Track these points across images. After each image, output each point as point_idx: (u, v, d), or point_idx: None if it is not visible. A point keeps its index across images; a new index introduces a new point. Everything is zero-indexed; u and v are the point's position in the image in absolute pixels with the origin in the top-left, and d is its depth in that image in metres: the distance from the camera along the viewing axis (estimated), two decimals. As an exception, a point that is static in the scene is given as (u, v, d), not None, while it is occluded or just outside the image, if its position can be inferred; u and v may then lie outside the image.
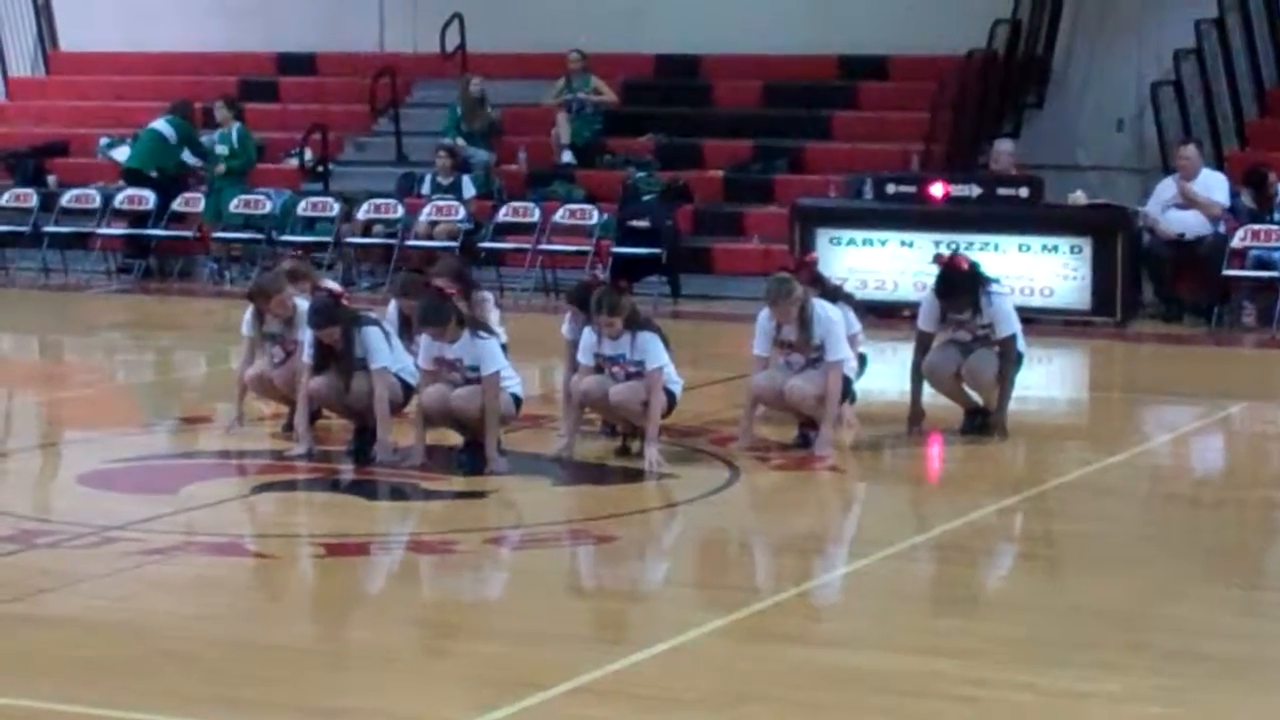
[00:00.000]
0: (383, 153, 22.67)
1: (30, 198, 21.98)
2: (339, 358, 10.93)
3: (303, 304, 11.39)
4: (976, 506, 10.07)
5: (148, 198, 21.25)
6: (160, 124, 21.52)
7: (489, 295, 12.29)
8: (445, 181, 20.56)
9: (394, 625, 7.90)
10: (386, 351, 10.92)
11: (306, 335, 11.07)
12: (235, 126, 21.27)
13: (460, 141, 21.25)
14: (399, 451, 10.81)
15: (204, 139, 21.63)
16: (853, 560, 9.20)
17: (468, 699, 6.80)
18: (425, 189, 20.69)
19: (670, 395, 10.97)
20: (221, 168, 21.09)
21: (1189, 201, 17.95)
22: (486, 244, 19.95)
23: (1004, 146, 19.05)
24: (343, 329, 10.90)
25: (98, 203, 21.61)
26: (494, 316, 11.85)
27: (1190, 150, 18.19)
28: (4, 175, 23.08)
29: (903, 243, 17.82)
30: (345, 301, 11.16)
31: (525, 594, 8.54)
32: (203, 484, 10.51)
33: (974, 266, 11.83)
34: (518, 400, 10.96)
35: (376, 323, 11.13)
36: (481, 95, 21.65)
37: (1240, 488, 11.19)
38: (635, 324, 10.88)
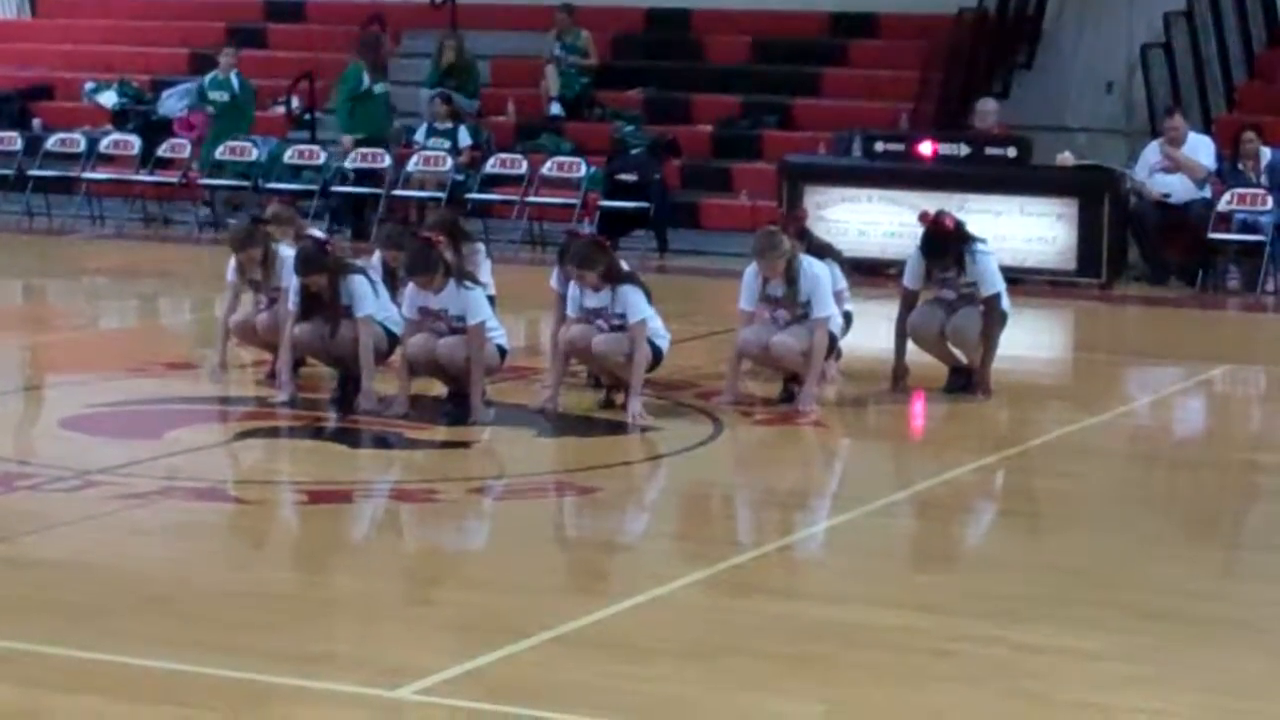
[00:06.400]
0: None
1: (14, 141, 21.86)
2: (324, 305, 10.92)
3: (287, 251, 11.38)
4: (958, 464, 10.10)
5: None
6: (364, 79, 20.75)
7: (481, 246, 12.27)
8: (442, 128, 20.47)
9: (376, 573, 7.91)
10: (372, 300, 10.92)
11: (292, 282, 11.05)
12: (234, 73, 21.22)
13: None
14: (383, 400, 10.82)
15: (195, 84, 21.57)
16: (834, 515, 9.23)
17: (449, 647, 6.82)
18: (419, 137, 20.60)
19: (656, 349, 10.97)
20: (210, 109, 21.05)
21: (1174, 165, 17.97)
22: (474, 195, 19.91)
23: (988, 106, 19.03)
24: (329, 277, 10.90)
25: (83, 147, 21.53)
26: (485, 268, 11.85)
27: (1178, 120, 18.19)
28: (-12, 117, 22.99)
29: (889, 200, 17.80)
30: (331, 249, 11.16)
31: (507, 544, 8.56)
32: (185, 429, 10.51)
33: (959, 225, 11.83)
34: (503, 351, 10.97)
35: (362, 271, 11.12)
36: (460, 47, 21.60)
37: (1220, 449, 11.22)
38: (616, 278, 10.88)
